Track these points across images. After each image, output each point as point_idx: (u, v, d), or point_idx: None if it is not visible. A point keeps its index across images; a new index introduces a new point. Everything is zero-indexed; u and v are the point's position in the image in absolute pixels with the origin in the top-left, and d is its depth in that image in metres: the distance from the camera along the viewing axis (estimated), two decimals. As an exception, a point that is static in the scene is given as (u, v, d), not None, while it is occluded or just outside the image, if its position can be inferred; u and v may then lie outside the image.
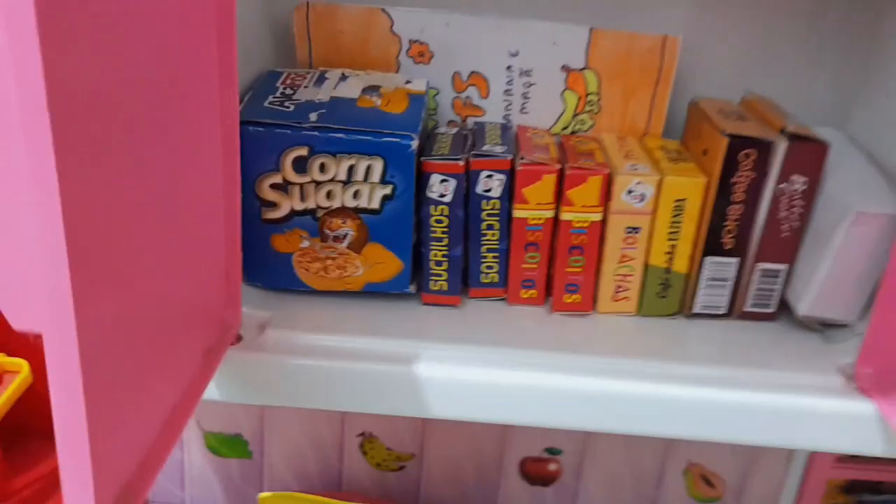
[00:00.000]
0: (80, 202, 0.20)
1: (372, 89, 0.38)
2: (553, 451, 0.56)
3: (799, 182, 0.37)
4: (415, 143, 0.35)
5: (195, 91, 0.29)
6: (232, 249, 0.33)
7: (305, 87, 0.38)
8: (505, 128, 0.41)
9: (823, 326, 0.39)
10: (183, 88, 0.27)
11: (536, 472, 0.57)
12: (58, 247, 0.20)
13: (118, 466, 0.25)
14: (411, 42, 0.41)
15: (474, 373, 0.35)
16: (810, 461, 0.54)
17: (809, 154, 0.36)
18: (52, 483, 0.40)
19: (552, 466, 0.56)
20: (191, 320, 0.31)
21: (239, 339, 0.36)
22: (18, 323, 0.28)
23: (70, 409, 0.22)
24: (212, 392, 0.36)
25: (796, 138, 0.36)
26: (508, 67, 0.41)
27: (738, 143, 0.36)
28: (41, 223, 0.20)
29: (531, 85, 0.41)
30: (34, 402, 0.40)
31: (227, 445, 0.57)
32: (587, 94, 0.41)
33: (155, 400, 0.28)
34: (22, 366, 0.34)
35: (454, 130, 0.40)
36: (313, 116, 0.35)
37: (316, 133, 0.35)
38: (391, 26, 0.41)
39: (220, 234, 0.33)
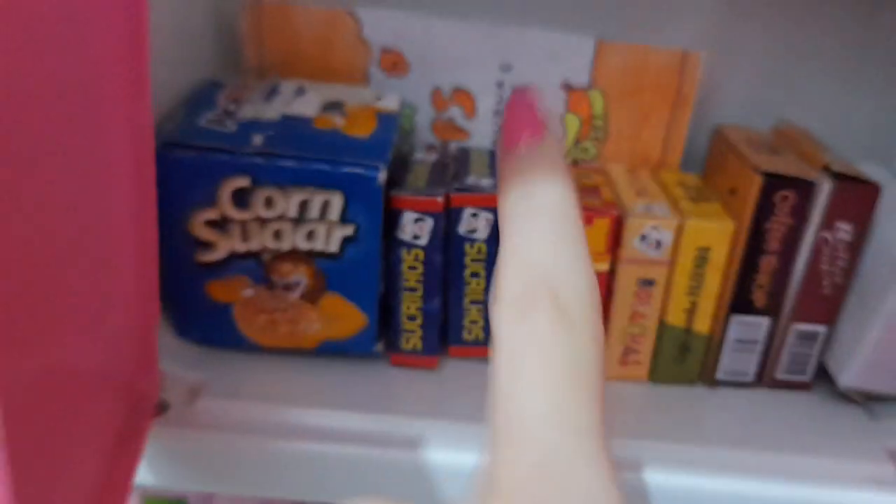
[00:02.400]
0: None
1: (334, 106, 0.32)
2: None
3: (844, 230, 0.31)
4: (382, 175, 0.28)
5: (95, 104, 0.22)
6: (147, 303, 0.27)
7: (252, 101, 0.31)
8: (494, 155, 0.35)
9: (869, 399, 0.33)
10: (78, 100, 0.21)
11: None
12: None
13: None
14: (383, 50, 0.34)
15: (453, 459, 0.29)
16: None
17: (858, 197, 0.30)
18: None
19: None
20: (94, 397, 0.25)
21: (165, 408, 0.29)
22: None
23: None
24: (143, 476, 0.29)
25: (843, 178, 0.30)
26: (498, 83, 0.35)
27: (774, 183, 0.30)
28: None
29: (526, 105, 0.35)
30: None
31: (168, 507, 0.50)
32: (592, 118, 0.35)
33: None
34: None
35: (433, 158, 0.34)
36: (257, 139, 0.28)
37: (259, 160, 0.28)
38: (360, 31, 0.34)
39: (131, 284, 0.26)
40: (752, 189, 0.30)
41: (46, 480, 0.21)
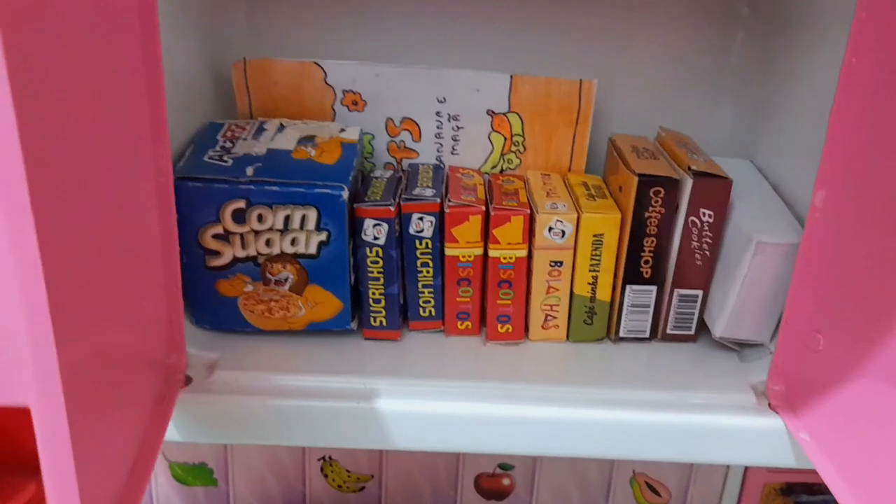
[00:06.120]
0: (54, 271, 0.22)
1: (307, 139, 0.41)
2: (505, 467, 0.59)
3: (707, 215, 0.40)
4: (345, 193, 0.37)
5: (129, 150, 0.30)
6: (173, 298, 0.35)
7: (244, 139, 0.40)
8: (437, 169, 0.43)
9: (739, 346, 0.42)
10: (118, 148, 0.29)
11: (491, 488, 0.59)
12: (44, 323, 0.22)
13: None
14: (345, 92, 0.43)
15: (416, 405, 0.37)
16: (748, 466, 0.57)
17: (714, 190, 0.39)
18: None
19: (505, 482, 0.59)
20: (137, 368, 0.33)
21: (189, 381, 0.38)
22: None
23: (60, 466, 0.24)
24: (172, 434, 0.37)
25: (701, 175, 0.39)
26: (437, 113, 0.44)
27: (647, 182, 0.39)
28: (25, 291, 0.21)
29: (460, 128, 0.44)
30: (2, 438, 0.41)
31: (192, 474, 0.59)
32: (512, 136, 0.44)
33: (117, 450, 0.30)
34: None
35: (388, 174, 0.42)
36: (250, 170, 0.37)
37: (252, 187, 0.37)
38: (324, 78, 0.43)
39: (160, 284, 0.35)
40: (632, 187, 0.39)
41: (99, 434, 0.27)
